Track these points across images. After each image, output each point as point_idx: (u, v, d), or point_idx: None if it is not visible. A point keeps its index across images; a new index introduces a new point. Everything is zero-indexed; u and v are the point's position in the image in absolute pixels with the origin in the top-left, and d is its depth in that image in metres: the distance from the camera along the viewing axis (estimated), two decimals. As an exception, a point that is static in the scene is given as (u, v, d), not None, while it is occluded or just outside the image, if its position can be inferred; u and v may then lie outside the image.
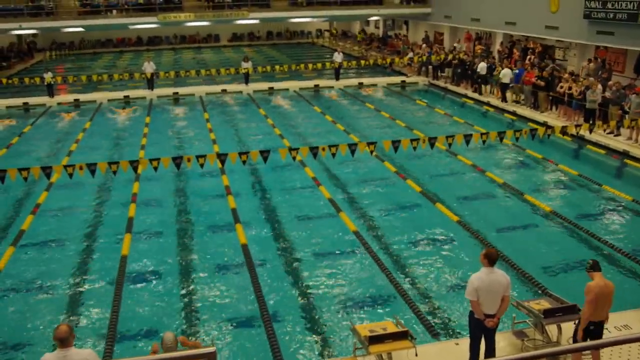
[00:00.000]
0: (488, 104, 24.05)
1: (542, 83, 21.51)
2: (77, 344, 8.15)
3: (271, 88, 28.80)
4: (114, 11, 33.31)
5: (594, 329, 7.07)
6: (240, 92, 28.29)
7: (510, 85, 23.40)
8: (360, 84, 29.72)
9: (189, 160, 12.84)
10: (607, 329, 7.54)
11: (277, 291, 10.05)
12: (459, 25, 32.03)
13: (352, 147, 13.44)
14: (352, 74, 33.28)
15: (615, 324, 8.15)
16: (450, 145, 14.17)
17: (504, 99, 23.64)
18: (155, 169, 12.75)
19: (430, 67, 29.79)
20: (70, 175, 12.48)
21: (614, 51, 22.11)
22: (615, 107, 18.25)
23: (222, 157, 13.03)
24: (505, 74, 23.19)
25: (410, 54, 31.21)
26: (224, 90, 28.33)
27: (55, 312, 9.62)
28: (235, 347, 8.58)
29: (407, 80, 30.13)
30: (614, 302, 7.16)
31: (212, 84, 29.46)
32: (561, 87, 20.50)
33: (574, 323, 7.41)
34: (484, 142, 14.33)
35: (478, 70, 25.09)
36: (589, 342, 6.50)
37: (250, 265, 10.66)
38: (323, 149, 13.19)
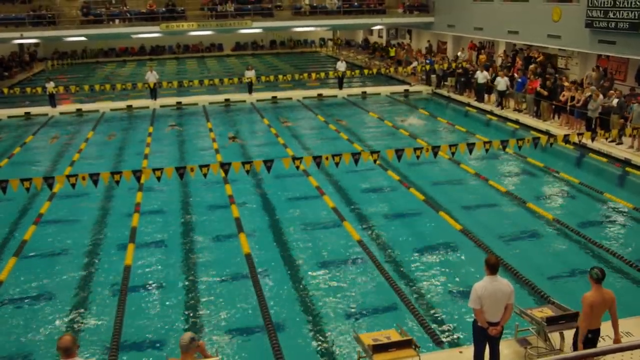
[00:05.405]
0: (491, 112, 24.09)
1: (546, 92, 21.53)
2: (81, 354, 8.17)
3: (275, 97, 28.89)
4: (117, 20, 33.36)
5: (591, 337, 7.07)
6: (244, 101, 28.38)
7: (507, 92, 23.91)
8: (364, 92, 29.82)
9: (192, 170, 12.86)
10: (608, 336, 7.53)
11: (281, 300, 10.06)
12: (462, 35, 32.13)
13: (356, 156, 13.44)
14: (356, 82, 33.37)
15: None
16: (453, 154, 14.19)
17: (499, 105, 24.50)
18: (159, 178, 12.76)
19: (433, 75, 29.88)
20: (73, 185, 12.43)
21: (616, 60, 22.15)
22: (616, 116, 18.26)
23: (225, 166, 13.05)
24: (499, 82, 24.06)
25: (415, 63, 31.30)
26: (227, 100, 28.43)
27: (58, 323, 9.63)
28: (239, 357, 8.57)
29: (411, 89, 30.21)
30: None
31: (216, 94, 29.55)
32: (563, 96, 20.53)
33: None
34: (486, 150, 14.34)
35: (478, 79, 25.20)
36: (592, 350, 6.49)
37: (254, 274, 10.67)
38: (327, 158, 13.19)
